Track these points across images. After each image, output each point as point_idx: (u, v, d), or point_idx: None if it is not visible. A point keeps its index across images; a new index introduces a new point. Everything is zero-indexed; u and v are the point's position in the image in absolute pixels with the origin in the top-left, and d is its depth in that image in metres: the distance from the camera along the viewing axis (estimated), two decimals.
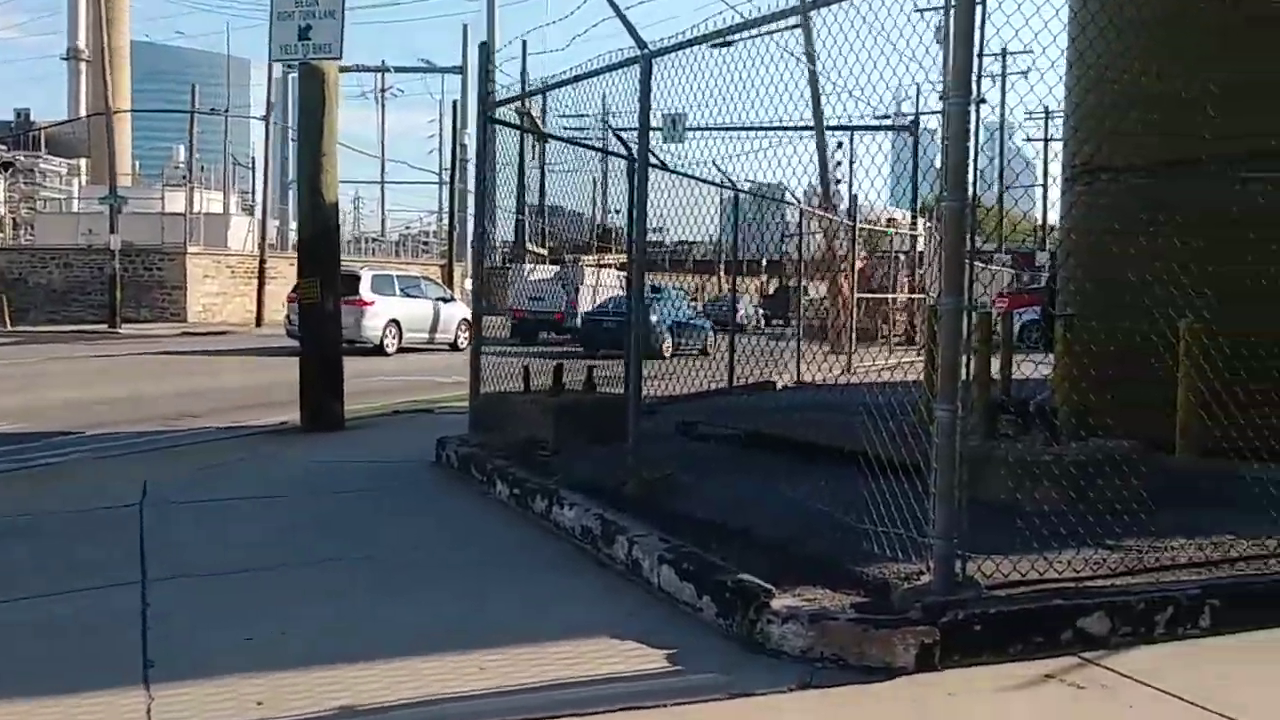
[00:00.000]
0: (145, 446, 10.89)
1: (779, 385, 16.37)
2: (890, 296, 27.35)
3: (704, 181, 12.16)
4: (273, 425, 12.24)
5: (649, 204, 7.16)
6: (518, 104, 10.31)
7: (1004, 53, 57.57)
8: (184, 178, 47.54)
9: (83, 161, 60.65)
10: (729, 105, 6.79)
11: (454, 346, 27.33)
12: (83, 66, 69.28)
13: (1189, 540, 5.67)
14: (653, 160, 10.02)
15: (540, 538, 6.42)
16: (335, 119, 11.35)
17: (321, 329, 11.28)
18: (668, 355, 16.54)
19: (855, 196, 23.98)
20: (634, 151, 9.17)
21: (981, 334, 8.83)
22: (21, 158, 55.24)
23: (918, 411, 10.11)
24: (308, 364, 11.37)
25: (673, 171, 10.74)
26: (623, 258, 20.63)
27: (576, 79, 7.87)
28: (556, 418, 8.54)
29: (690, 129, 11.32)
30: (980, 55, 4.72)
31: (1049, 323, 14.30)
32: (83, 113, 62.03)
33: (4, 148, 55.11)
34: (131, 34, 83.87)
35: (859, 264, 27.32)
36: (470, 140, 31.73)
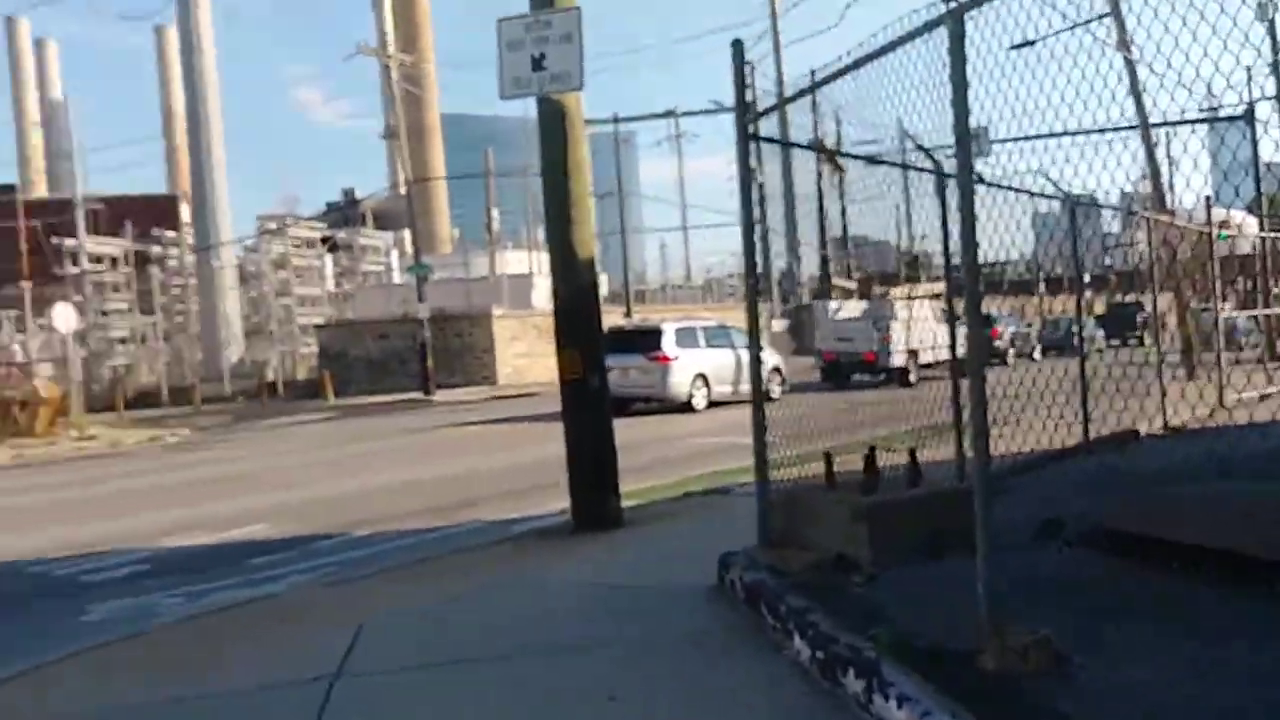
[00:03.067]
0: (393, 558, 9.53)
1: (1143, 433, 13.17)
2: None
3: (1031, 194, 9.82)
4: (549, 516, 10.65)
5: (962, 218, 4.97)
6: (813, 135, 8.31)
7: None
8: (493, 243, 48.41)
9: (407, 234, 63.67)
10: (1034, 112, 5.65)
11: (766, 396, 25.47)
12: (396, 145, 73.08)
13: None
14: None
15: None
16: (583, 160, 9.64)
17: (585, 410, 9.52)
18: None
19: (1209, 197, 20.32)
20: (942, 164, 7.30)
21: None
22: (342, 234, 58.25)
23: None
24: (574, 453, 9.64)
25: (989, 184, 8.45)
26: (935, 287, 18.20)
27: (857, 64, 5.69)
28: (872, 527, 6.29)
29: (996, 141, 9.05)
30: None
31: None
32: (399, 188, 65.32)
33: (326, 226, 58.30)
34: (442, 108, 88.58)
35: None
36: (765, 176, 29.90)
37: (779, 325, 35.25)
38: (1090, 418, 12.07)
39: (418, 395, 36.07)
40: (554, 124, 9.64)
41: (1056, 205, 13.61)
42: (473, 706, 5.07)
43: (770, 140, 7.05)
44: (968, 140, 4.72)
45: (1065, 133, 6.56)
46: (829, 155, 11.61)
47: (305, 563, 10.00)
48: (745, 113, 6.80)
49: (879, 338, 25.37)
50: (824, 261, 28.49)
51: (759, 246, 7.13)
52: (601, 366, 9.66)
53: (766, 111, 6.77)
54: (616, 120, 45.41)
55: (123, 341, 54.75)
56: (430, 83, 73.79)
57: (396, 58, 43.17)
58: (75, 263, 53.71)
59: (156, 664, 6.23)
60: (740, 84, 6.84)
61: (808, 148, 9.38)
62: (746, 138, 6.87)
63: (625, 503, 10.71)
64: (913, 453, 7.09)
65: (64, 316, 33.59)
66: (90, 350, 51.92)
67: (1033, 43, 5.72)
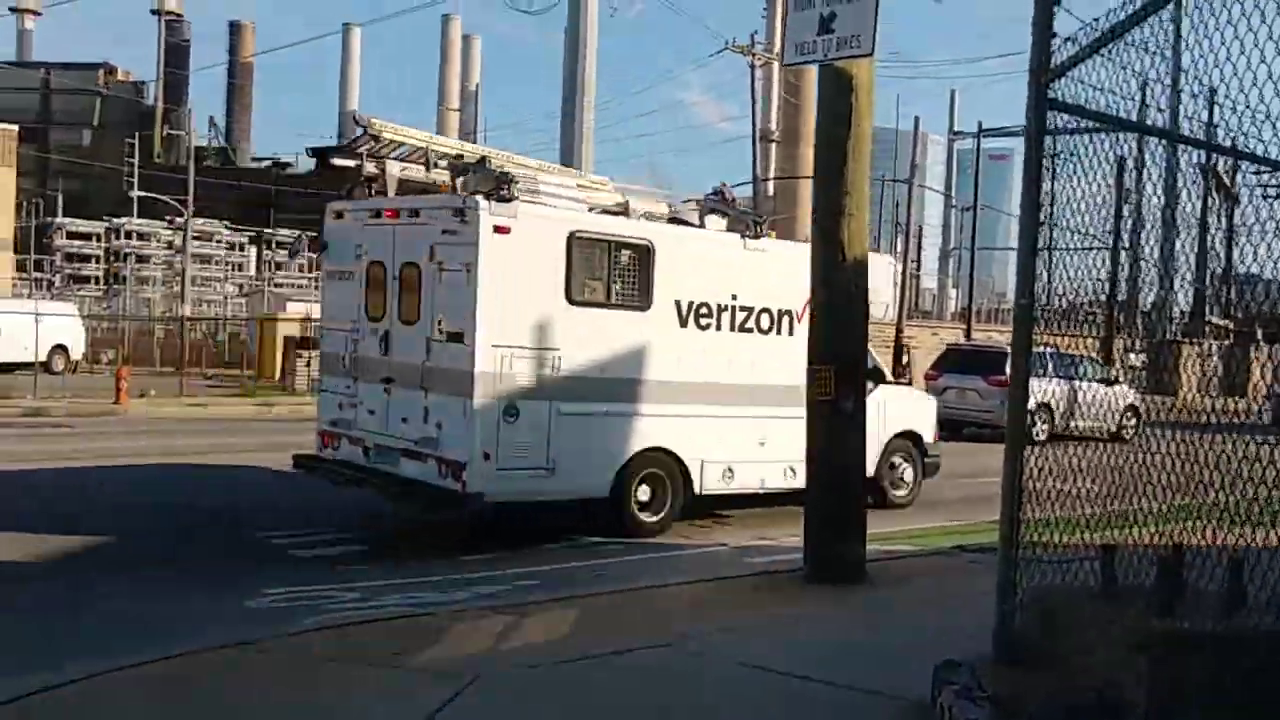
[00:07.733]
0: (598, 582, 8.26)
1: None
2: None
3: None
4: (789, 552, 8.99)
5: None
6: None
7: None
8: None
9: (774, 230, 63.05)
10: None
11: (1116, 436, 22.66)
12: (772, 147, 72.48)
13: None
14: None
15: None
16: (866, 142, 7.98)
17: (834, 437, 7.86)
18: None
19: None
20: None
21: None
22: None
23: None
24: (814, 489, 8.03)
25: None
26: None
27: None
28: (1154, 667, 4.34)
29: None
30: None
31: None
32: (767, 187, 64.79)
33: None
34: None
35: None
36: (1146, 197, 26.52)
37: (1136, 360, 31.51)
38: None
39: None
40: (838, 97, 8.04)
41: None
42: None
43: (1081, 112, 5.12)
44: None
45: None
46: (1218, 179, 9.41)
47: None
48: (1044, 66, 4.95)
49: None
50: (1198, 296, 24.84)
51: (1033, 257, 5.31)
52: (860, 388, 7.98)
53: (1073, 62, 4.86)
54: (980, 133, 42.14)
55: None
56: (810, 90, 72.60)
57: (762, 57, 42.13)
58: None
59: None
60: (1044, 30, 5.02)
61: (1157, 133, 7.31)
62: (1041, 104, 5.03)
63: (886, 546, 9.19)
64: (1237, 564, 4.91)
65: None
66: None
67: None
